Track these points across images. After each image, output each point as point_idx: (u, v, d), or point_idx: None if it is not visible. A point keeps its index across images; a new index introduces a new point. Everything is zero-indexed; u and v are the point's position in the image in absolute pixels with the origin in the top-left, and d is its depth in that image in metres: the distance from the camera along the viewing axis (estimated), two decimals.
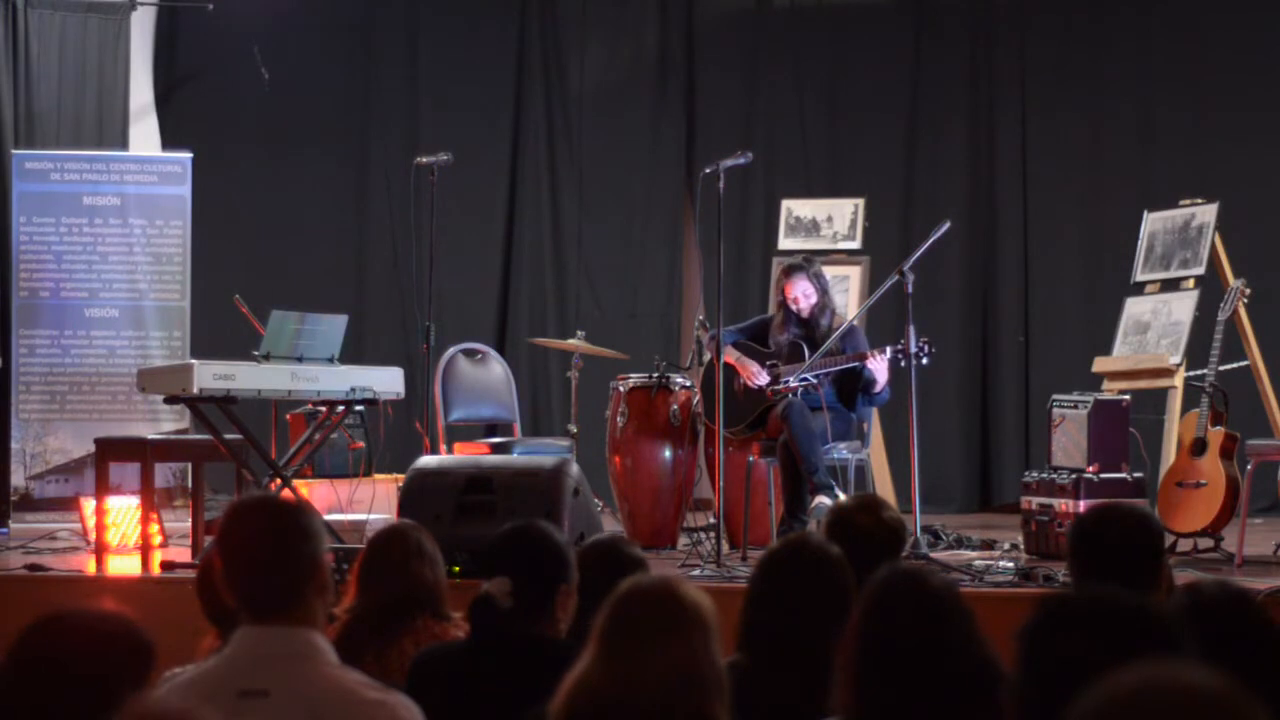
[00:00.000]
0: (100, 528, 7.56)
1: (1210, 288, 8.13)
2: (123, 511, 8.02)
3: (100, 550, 7.52)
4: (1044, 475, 7.60)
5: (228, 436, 7.38)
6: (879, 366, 7.46)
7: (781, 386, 7.67)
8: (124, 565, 7.55)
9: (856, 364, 7.56)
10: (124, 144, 10.72)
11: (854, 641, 2.82)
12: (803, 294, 7.80)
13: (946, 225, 7.73)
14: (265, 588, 3.00)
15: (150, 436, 8.12)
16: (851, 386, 7.68)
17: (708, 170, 7.38)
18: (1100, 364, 8.53)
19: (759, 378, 7.75)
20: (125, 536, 7.99)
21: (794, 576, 3.50)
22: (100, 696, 2.47)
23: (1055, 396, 7.79)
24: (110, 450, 7.74)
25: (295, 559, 3.01)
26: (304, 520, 3.08)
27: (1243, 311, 7.90)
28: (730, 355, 7.78)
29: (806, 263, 7.90)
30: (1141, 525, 3.70)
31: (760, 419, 7.72)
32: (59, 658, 2.54)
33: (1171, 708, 1.71)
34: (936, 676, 2.83)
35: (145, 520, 7.48)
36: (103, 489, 7.59)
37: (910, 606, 2.89)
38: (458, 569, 6.19)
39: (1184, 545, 7.53)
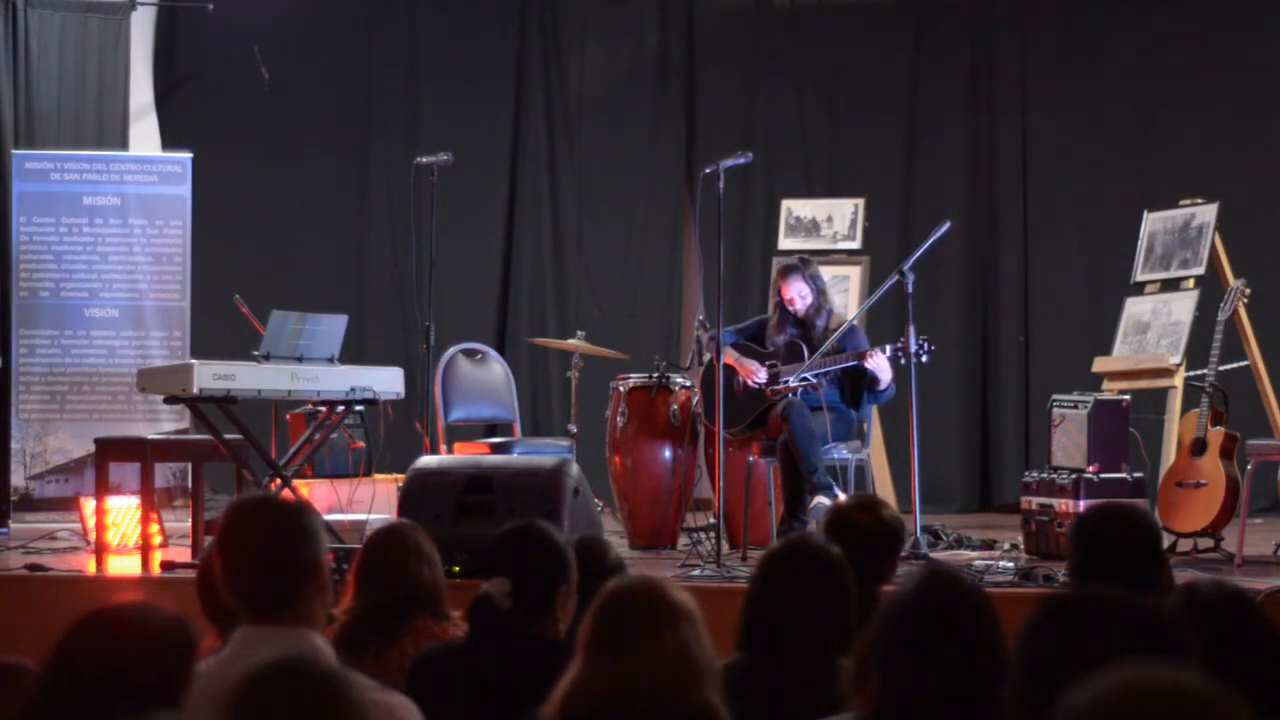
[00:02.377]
0: (100, 528, 7.55)
1: (1210, 288, 8.13)
2: (122, 511, 8.02)
3: (100, 550, 7.50)
4: (1044, 475, 7.59)
5: (228, 437, 7.38)
6: (880, 364, 7.46)
7: (781, 386, 7.67)
8: (124, 565, 7.54)
9: (856, 363, 7.56)
10: (124, 144, 10.72)
11: (884, 637, 2.80)
12: (799, 294, 7.80)
13: (947, 225, 7.75)
14: (265, 588, 3.00)
15: (151, 436, 8.11)
16: (856, 386, 7.69)
17: (708, 170, 7.38)
18: (1100, 364, 8.53)
19: (758, 376, 7.75)
20: (125, 536, 7.99)
21: (794, 576, 3.49)
22: (145, 691, 2.46)
23: (1055, 396, 7.79)
24: (111, 450, 7.73)
25: (295, 560, 3.01)
26: (304, 521, 3.08)
27: (1243, 311, 7.90)
28: (730, 355, 7.78)
29: (802, 263, 7.90)
30: (1139, 525, 3.70)
31: (760, 419, 7.72)
32: (107, 655, 2.52)
33: (1156, 709, 1.71)
34: (965, 676, 2.83)
35: (146, 520, 7.47)
36: (103, 489, 7.58)
37: (950, 605, 2.89)
38: (458, 569, 6.19)
39: (1184, 545, 7.53)
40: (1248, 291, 7.85)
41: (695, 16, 11.18)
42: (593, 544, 4.31)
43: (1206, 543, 7.46)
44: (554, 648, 3.69)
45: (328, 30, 11.34)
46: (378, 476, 8.86)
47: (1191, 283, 8.29)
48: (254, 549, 3.02)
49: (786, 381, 7.65)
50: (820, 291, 7.84)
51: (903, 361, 7.36)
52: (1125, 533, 3.65)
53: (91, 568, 7.45)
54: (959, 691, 2.84)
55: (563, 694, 2.91)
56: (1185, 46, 10.47)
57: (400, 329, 10.78)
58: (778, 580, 3.50)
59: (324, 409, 7.80)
